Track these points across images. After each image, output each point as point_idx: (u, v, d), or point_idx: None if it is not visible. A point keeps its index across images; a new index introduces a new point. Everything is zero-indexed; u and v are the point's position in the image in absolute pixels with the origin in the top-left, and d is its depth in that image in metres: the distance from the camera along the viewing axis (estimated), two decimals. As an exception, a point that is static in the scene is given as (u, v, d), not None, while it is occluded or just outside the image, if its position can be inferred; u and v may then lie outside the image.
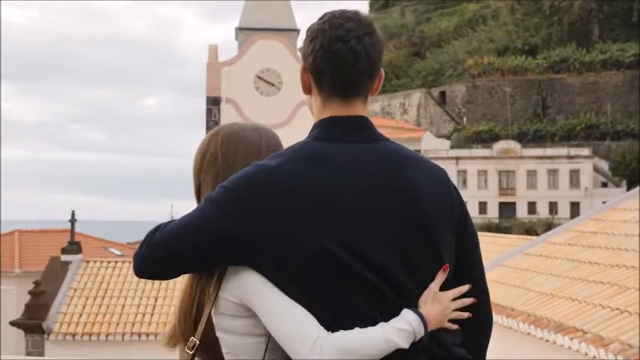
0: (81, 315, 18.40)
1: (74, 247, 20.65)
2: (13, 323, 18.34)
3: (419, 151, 64.61)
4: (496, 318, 9.53)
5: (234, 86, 26.20)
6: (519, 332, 8.80)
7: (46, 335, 17.73)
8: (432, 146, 65.62)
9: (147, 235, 2.02)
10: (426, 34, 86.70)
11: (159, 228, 2.01)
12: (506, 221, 60.39)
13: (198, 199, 2.14)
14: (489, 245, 19.28)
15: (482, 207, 63.02)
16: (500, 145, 64.64)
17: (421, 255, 2.01)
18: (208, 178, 2.13)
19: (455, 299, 2.06)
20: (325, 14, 2.10)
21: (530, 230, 51.99)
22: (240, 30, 29.15)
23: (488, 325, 2.26)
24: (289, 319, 1.86)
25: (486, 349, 2.27)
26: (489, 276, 11.31)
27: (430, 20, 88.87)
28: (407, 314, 1.92)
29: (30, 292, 18.50)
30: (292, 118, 27.86)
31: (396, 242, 1.99)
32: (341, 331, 1.85)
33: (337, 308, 1.92)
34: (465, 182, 63.60)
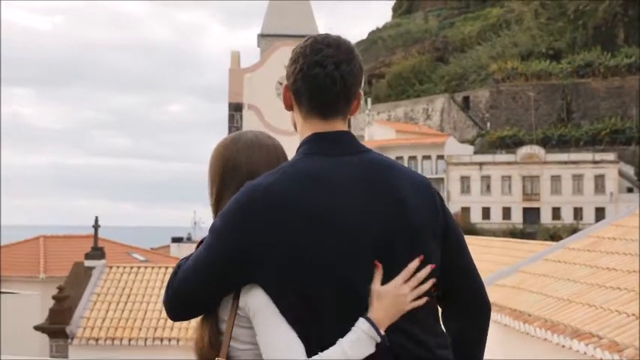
0: (104, 320, 18.57)
1: (97, 252, 20.86)
2: (37, 328, 18.56)
3: (442, 156, 64.47)
4: (513, 323, 9.54)
5: (256, 92, 26.37)
6: (536, 337, 8.80)
7: (69, 340, 17.92)
8: (455, 151, 65.41)
9: (169, 279, 2.14)
10: (449, 39, 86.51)
11: (178, 268, 2.12)
12: (531, 227, 60.05)
13: (217, 209, 2.20)
14: (511, 251, 19.26)
15: (506, 212, 62.68)
16: (524, 150, 64.26)
17: (403, 260, 2.09)
18: (232, 187, 2.16)
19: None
20: (309, 37, 2.20)
21: (554, 236, 51.63)
22: (261, 36, 29.30)
23: (483, 326, 2.32)
24: (277, 345, 1.95)
25: (483, 350, 2.32)
26: (508, 282, 11.33)
27: (453, 25, 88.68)
28: (359, 323, 1.98)
29: (54, 297, 18.71)
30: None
31: (385, 252, 2.07)
32: None
33: (329, 318, 2.00)
34: (488, 188, 63.34)
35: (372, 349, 1.96)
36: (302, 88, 2.15)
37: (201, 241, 2.18)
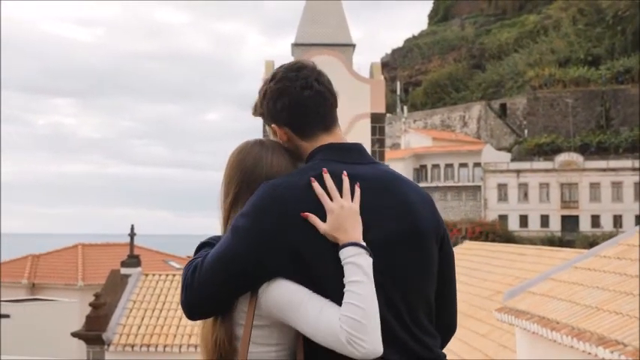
0: (140, 326, 18.81)
1: (134, 260, 21.13)
2: (74, 334, 18.87)
3: (479, 164, 64.08)
4: (541, 331, 9.53)
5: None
6: (563, 345, 8.79)
7: (106, 346, 18.18)
8: (492, 159, 64.99)
9: (185, 279, 2.16)
10: (485, 46, 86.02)
11: (195, 269, 2.14)
12: (569, 235, 59.38)
13: (229, 212, 2.25)
14: (544, 259, 19.09)
15: (544, 220, 62.06)
16: (562, 157, 63.60)
17: (414, 267, 2.21)
18: (250, 191, 2.20)
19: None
20: (275, 74, 2.33)
21: (593, 244, 50.90)
22: (295, 46, 29.44)
23: (450, 330, 2.43)
24: (317, 320, 2.00)
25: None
26: (538, 289, 11.30)
27: (490, 32, 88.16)
28: (343, 255, 2.05)
29: (90, 304, 19.01)
30: (348, 132, 27.97)
31: (394, 252, 2.19)
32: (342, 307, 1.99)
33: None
34: (526, 195, 62.79)
35: (370, 262, 2.05)
36: (301, 115, 2.28)
37: (202, 245, 2.27)
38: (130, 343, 18.25)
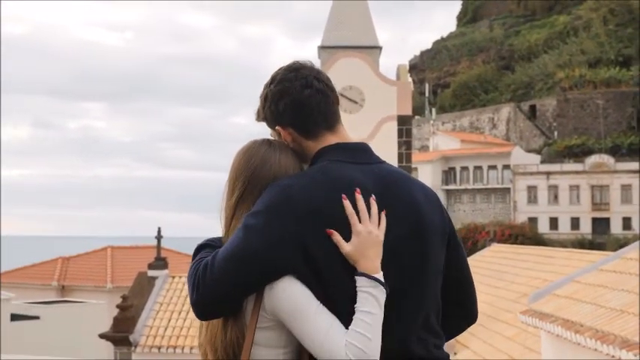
0: (166, 328, 18.93)
1: (160, 262, 21.27)
2: (102, 336, 19.04)
3: (508, 166, 63.63)
4: (565, 334, 9.44)
5: (316, 104, 26.38)
6: (587, 348, 8.71)
7: (133, 347, 18.33)
8: (521, 161, 64.49)
9: (195, 278, 2.13)
10: (515, 47, 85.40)
11: (206, 268, 2.11)
12: (600, 237, 58.68)
13: (234, 212, 2.23)
14: (572, 261, 18.91)
15: (575, 223, 61.43)
16: (593, 159, 62.93)
17: (420, 266, 2.21)
18: (256, 191, 2.20)
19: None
20: (274, 77, 2.34)
21: (624, 246, 50.33)
22: (322, 48, 29.48)
23: (472, 317, 2.46)
24: (323, 339, 2.00)
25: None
26: (563, 292, 11.21)
27: (519, 33, 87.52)
28: (359, 283, 2.08)
29: (118, 306, 19.17)
30: (374, 135, 27.99)
31: (402, 250, 2.20)
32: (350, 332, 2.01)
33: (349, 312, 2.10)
34: (556, 197, 62.23)
35: (384, 296, 2.07)
36: (302, 114, 2.29)
37: (201, 247, 2.26)
38: (157, 345, 18.37)
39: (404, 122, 27.38)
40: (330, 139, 2.30)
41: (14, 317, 22.31)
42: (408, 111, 27.65)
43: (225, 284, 2.07)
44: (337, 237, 2.09)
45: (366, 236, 2.09)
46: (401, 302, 2.16)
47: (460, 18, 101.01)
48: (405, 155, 27.02)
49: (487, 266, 23.29)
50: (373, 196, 2.16)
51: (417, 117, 79.52)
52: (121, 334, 18.40)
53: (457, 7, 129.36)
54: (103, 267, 29.98)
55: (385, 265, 2.14)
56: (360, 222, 2.11)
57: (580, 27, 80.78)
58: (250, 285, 2.08)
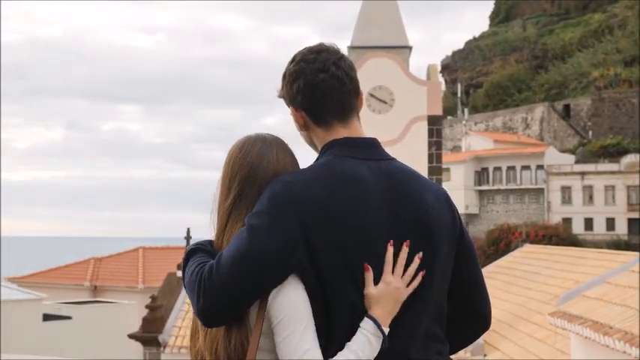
0: (195, 329, 18.97)
1: (190, 263, 21.32)
2: (131, 336, 19.14)
3: (542, 166, 63.02)
4: (594, 336, 9.28)
5: (346, 104, 26.25)
6: (615, 350, 8.54)
7: (162, 348, 18.39)
8: (555, 161, 63.82)
9: (199, 285, 2.02)
10: (548, 46, 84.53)
11: (210, 273, 2.01)
12: (636, 238, 57.80)
13: (231, 210, 2.15)
14: (605, 262, 18.64)
15: (610, 223, 60.64)
16: (629, 159, 62.06)
17: (423, 266, 2.13)
18: (254, 190, 2.12)
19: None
20: (295, 56, 2.26)
21: (660, 247, 49.66)
22: (352, 48, 29.43)
23: (485, 323, 2.38)
24: (299, 348, 1.95)
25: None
26: (593, 293, 11.02)
27: (553, 32, 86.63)
28: (364, 323, 2.02)
29: (147, 307, 19.27)
30: (404, 135, 27.89)
31: (410, 254, 2.13)
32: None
33: (353, 316, 2.05)
34: (591, 198, 61.47)
35: (378, 348, 2.00)
36: (315, 99, 2.22)
37: (193, 251, 2.17)
38: (186, 345, 18.39)
39: (434, 122, 27.20)
40: (341, 132, 2.22)
41: (46, 317, 22.53)
42: (438, 111, 27.46)
43: (234, 288, 1.99)
44: (369, 276, 2.04)
45: (393, 290, 2.04)
46: (404, 304, 2.08)
47: (493, 17, 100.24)
48: (435, 155, 26.84)
49: (519, 267, 23.07)
50: (405, 245, 2.09)
51: (449, 117, 79.08)
52: (150, 334, 18.48)
53: (489, 7, 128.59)
54: (134, 268, 30.21)
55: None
56: (392, 273, 2.06)
57: (615, 25, 79.75)
58: (260, 287, 2.01)
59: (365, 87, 29.05)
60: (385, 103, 28.39)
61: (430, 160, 26.64)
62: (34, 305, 22.77)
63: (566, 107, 76.69)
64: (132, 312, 24.18)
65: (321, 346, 1.99)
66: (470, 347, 15.94)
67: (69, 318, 22.97)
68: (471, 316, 2.31)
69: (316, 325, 2.00)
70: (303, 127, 2.28)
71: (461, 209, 62.05)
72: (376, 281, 2.05)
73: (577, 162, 65.56)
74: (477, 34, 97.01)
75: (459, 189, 62.04)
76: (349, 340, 2.01)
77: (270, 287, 2.01)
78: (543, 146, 68.02)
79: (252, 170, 2.14)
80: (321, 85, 2.19)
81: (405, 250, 2.09)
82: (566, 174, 62.36)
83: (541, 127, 76.82)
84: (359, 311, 2.04)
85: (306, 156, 2.29)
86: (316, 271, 2.02)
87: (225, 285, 1.99)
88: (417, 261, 2.10)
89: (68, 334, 21.99)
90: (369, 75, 28.36)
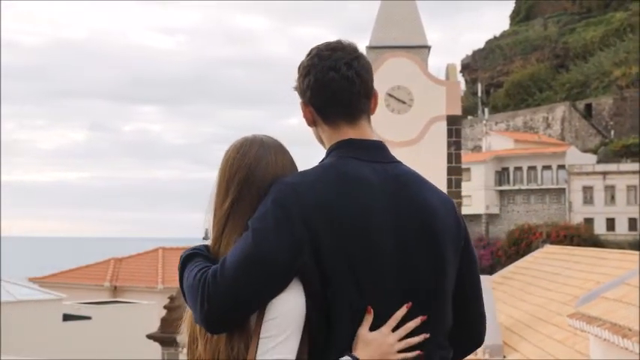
0: (214, 329, 18.99)
1: (208, 263, 21.36)
2: (149, 336, 19.19)
3: (563, 166, 62.60)
4: (612, 338, 9.17)
5: (364, 104, 26.13)
6: (634, 353, 8.44)
7: (180, 348, 18.41)
8: (577, 161, 63.37)
9: (202, 291, 1.97)
10: (570, 45, 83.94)
11: (215, 278, 1.97)
12: (659, 238, 57.39)
13: (229, 213, 2.10)
14: (626, 263, 18.46)
15: (632, 224, 60.08)
16: (652, 158, 61.58)
17: (427, 269, 2.09)
18: (252, 194, 2.08)
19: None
20: (312, 50, 2.23)
21: (684, 248, 49.15)
22: (370, 48, 29.36)
23: (475, 342, 2.31)
24: (267, 354, 1.92)
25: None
26: (612, 294, 10.90)
27: (574, 31, 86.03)
28: (348, 356, 1.97)
29: (165, 307, 19.30)
30: (423, 135, 27.79)
31: (409, 254, 2.09)
32: None
33: (354, 318, 2.02)
34: (613, 198, 61.00)
35: None
36: (322, 98, 2.18)
37: (190, 256, 2.12)
38: (204, 346, 18.45)
39: (453, 122, 27.08)
40: (348, 132, 2.18)
41: (66, 317, 22.66)
42: (457, 111, 27.34)
43: (240, 292, 1.94)
44: (369, 317, 2.00)
45: (385, 343, 1.98)
46: (412, 308, 2.05)
47: (513, 16, 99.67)
48: (454, 155, 26.71)
49: (538, 267, 22.91)
50: (406, 307, 2.04)
51: (469, 117, 78.76)
52: (168, 334, 18.51)
53: (509, 6, 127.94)
54: (154, 268, 30.31)
55: (394, 271, 2.03)
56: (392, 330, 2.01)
57: (637, 23, 78.95)
58: (266, 291, 1.96)
59: (383, 87, 29.01)
60: (404, 103, 28.30)
61: (449, 160, 26.50)
62: (54, 305, 22.91)
63: (588, 106, 76.14)
64: (151, 312, 24.25)
65: (319, 349, 1.96)
66: (488, 349, 15.83)
67: (88, 318, 23.09)
68: (465, 331, 2.24)
69: (316, 327, 1.97)
70: (312, 122, 2.25)
71: (481, 209, 61.80)
72: (375, 281, 2.01)
73: (599, 162, 65.06)
74: (497, 34, 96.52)
75: (479, 189, 61.79)
76: (349, 344, 1.97)
77: (277, 291, 1.96)
78: (565, 146, 67.58)
79: (250, 172, 2.09)
80: (330, 84, 2.15)
81: (404, 310, 2.04)
82: (587, 174, 61.93)
83: (562, 127, 76.31)
84: (360, 314, 2.00)
85: (311, 157, 2.27)
86: (320, 273, 1.98)
87: (230, 289, 1.95)
88: (417, 321, 2.05)
89: (88, 335, 22.10)
90: (387, 75, 28.29)
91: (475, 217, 61.46)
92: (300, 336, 1.96)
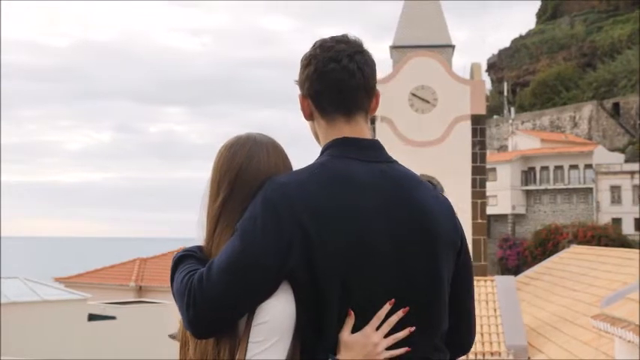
0: (236, 329, 19.04)
1: (230, 263, 21.41)
2: (170, 336, 19.26)
3: (590, 165, 62.06)
4: (637, 339, 9.03)
5: (388, 104, 26.26)
6: (659, 355, 8.30)
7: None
8: (604, 160, 62.75)
9: (189, 295, 1.94)
10: (597, 43, 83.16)
11: (201, 282, 1.93)
12: (687, 238, 56.67)
13: (220, 212, 2.07)
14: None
15: (661, 224, 59.48)
16: (680, 157, 60.86)
17: (423, 271, 2.03)
18: (244, 192, 2.04)
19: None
20: (316, 42, 2.19)
21: None
22: (394, 48, 29.27)
23: (463, 350, 2.25)
24: (266, 341, 1.89)
25: None
26: (637, 295, 10.73)
27: (602, 29, 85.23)
28: (332, 357, 1.93)
29: (185, 307, 19.41)
30: (447, 135, 27.67)
31: (403, 256, 2.02)
32: None
33: (342, 319, 1.98)
34: (640, 197, 60.37)
35: None
36: (320, 88, 2.13)
37: (181, 258, 2.08)
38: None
39: (478, 121, 26.95)
40: (344, 129, 2.13)
41: (91, 317, 22.81)
42: (482, 110, 27.19)
43: (227, 297, 1.89)
44: (350, 321, 1.94)
45: (369, 344, 1.93)
46: (411, 311, 2.00)
47: (540, 15, 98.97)
48: (479, 155, 26.58)
49: (565, 268, 22.70)
50: (389, 304, 1.98)
51: (495, 117, 78.32)
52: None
53: (536, 5, 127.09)
54: (174, 268, 30.47)
55: (389, 273, 1.98)
56: (376, 330, 1.95)
57: (666, 21, 78.17)
58: (254, 296, 1.92)
59: (407, 86, 28.86)
60: (428, 102, 28.17)
61: (474, 160, 26.37)
62: (79, 305, 23.06)
63: (616, 105, 75.36)
64: (175, 312, 24.36)
65: (309, 352, 1.93)
66: (512, 349, 15.70)
67: (113, 318, 23.21)
68: (453, 336, 2.17)
69: (306, 330, 1.94)
70: (309, 116, 2.20)
71: (507, 209, 61.41)
72: (368, 283, 1.96)
73: (627, 161, 64.38)
74: (523, 33, 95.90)
75: (505, 189, 61.42)
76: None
77: (264, 296, 1.92)
78: (592, 145, 66.95)
79: (242, 171, 2.06)
80: (329, 74, 2.10)
81: (387, 307, 1.98)
82: (615, 173, 61.30)
83: (589, 126, 75.62)
84: (348, 312, 1.96)
85: (309, 157, 2.23)
86: (310, 276, 1.93)
87: (216, 294, 1.90)
88: (399, 314, 1.98)
89: (112, 334, 22.23)
90: (411, 74, 28.19)
91: (501, 217, 61.09)
92: (291, 340, 1.92)
